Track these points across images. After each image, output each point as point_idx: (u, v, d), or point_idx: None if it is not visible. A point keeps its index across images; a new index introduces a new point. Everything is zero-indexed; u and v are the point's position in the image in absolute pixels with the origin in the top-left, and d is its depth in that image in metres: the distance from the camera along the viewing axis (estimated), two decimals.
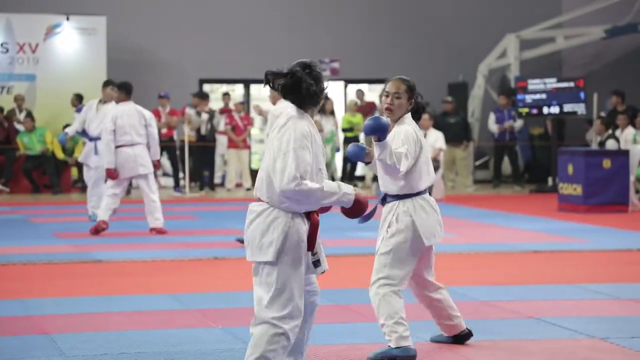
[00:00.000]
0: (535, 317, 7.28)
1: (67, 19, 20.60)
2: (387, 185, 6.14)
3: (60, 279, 9.30)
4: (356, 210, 5.02)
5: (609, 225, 13.62)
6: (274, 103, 11.31)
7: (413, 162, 6.01)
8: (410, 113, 6.20)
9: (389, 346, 5.98)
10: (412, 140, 6.02)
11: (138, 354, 6.20)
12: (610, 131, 16.94)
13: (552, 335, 6.71)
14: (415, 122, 6.22)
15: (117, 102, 12.92)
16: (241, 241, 11.33)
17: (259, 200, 5.04)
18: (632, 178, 15.61)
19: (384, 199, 6.17)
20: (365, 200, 5.03)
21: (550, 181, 20.06)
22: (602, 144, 16.89)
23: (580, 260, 10.58)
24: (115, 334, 6.73)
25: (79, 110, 14.94)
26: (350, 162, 20.35)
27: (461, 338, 6.43)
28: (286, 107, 5.15)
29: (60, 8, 20.97)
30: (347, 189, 4.99)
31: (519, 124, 20.91)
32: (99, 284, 8.96)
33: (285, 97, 5.07)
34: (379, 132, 5.78)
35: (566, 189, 15.84)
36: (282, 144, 4.93)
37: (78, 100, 18.67)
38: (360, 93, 22.01)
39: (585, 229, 13.25)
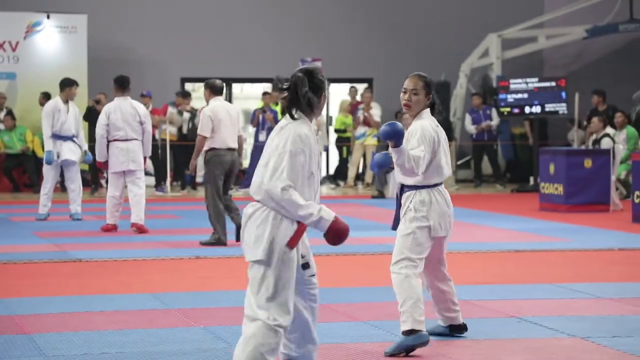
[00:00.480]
0: (517, 316, 7.28)
1: (48, 17, 20.49)
2: (403, 177, 6.33)
3: (41, 278, 9.25)
4: (334, 237, 5.06)
5: (590, 225, 13.66)
6: (207, 101, 11.41)
7: (431, 157, 6.22)
8: (428, 108, 6.37)
9: (402, 331, 6.11)
10: (428, 138, 6.22)
11: (119, 353, 6.16)
12: (606, 130, 16.99)
13: (533, 335, 6.72)
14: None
15: (113, 96, 12.95)
16: (203, 243, 11.33)
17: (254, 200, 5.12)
18: (613, 178, 15.66)
19: (402, 189, 6.37)
20: (344, 228, 5.05)
21: (531, 181, 20.11)
22: (597, 141, 16.92)
23: (562, 259, 10.60)
24: (95, 334, 6.69)
25: None
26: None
27: (456, 329, 6.60)
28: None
29: (40, 6, 20.86)
30: (327, 215, 5.02)
31: (495, 122, 20.92)
32: (79, 284, 8.92)
33: (286, 101, 5.17)
34: (395, 137, 5.96)
35: (548, 188, 15.87)
36: (280, 144, 5.02)
37: (46, 99, 18.46)
38: (353, 91, 21.86)
39: (566, 229, 13.28)
